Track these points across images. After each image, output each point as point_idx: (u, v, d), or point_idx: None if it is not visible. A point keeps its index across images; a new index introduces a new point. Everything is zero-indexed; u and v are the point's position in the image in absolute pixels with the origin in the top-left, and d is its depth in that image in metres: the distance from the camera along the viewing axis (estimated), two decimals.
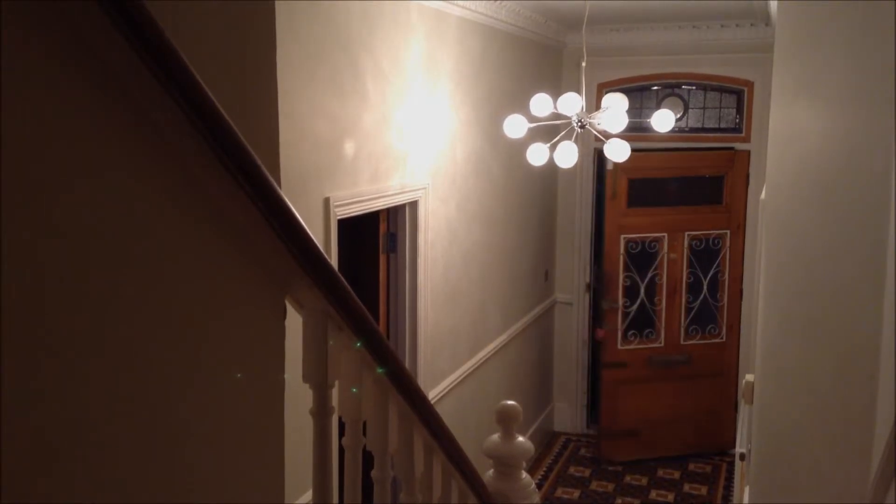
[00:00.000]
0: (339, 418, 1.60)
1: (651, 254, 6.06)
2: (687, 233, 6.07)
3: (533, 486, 2.44)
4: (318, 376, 1.47)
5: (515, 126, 3.78)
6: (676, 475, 6.02)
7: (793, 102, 2.45)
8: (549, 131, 4.39)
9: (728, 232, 6.12)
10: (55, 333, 0.93)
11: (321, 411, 1.50)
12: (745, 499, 3.45)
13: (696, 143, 6.16)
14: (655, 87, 6.28)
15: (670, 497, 5.70)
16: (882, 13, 1.63)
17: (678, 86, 6.23)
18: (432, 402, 2.90)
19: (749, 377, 3.51)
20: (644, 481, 5.92)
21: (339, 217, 3.25)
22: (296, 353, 1.46)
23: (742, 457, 4.00)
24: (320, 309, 1.43)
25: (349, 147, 3.34)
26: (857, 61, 1.89)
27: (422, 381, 4.07)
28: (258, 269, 1.29)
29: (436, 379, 4.34)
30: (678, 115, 6.09)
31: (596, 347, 6.58)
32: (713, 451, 6.29)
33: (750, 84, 5.93)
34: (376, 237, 3.98)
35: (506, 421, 2.37)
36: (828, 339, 2.02)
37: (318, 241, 1.35)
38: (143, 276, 1.05)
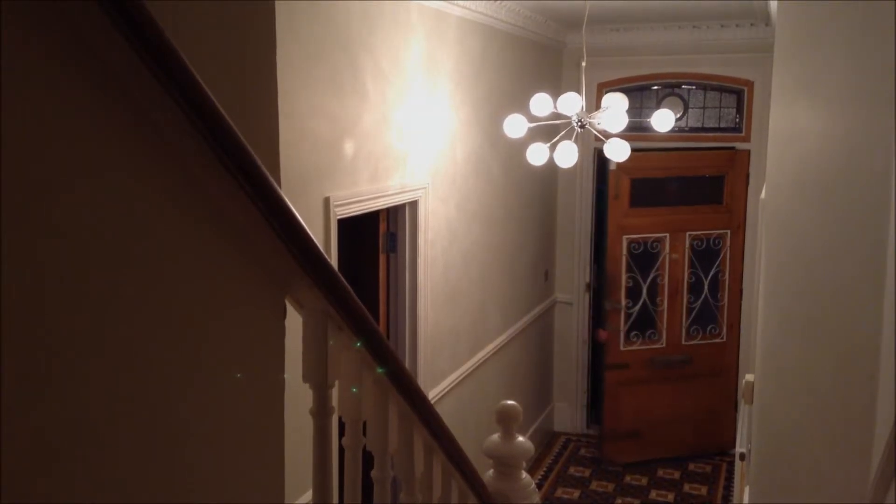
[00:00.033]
0: (339, 418, 1.60)
1: (653, 254, 6.06)
2: (688, 233, 6.07)
3: (533, 486, 2.44)
4: (318, 376, 1.47)
5: (515, 126, 3.78)
6: (676, 475, 6.02)
7: (793, 102, 2.45)
8: (549, 131, 4.39)
9: (728, 232, 6.12)
10: (55, 333, 0.93)
11: (321, 411, 1.50)
12: (745, 499, 3.45)
13: (696, 142, 6.16)
14: (655, 87, 6.28)
15: (670, 497, 5.70)
16: (882, 13, 1.63)
17: (678, 86, 6.23)
18: (432, 402, 2.90)
19: (749, 377, 3.51)
20: (644, 481, 5.92)
21: (338, 217, 3.25)
22: (296, 353, 1.46)
23: (742, 457, 4.00)
24: (320, 309, 1.43)
25: (349, 147, 3.34)
26: (857, 61, 1.89)
27: (422, 381, 4.07)
28: (258, 269, 1.29)
29: (436, 379, 4.34)
30: (678, 115, 6.09)
31: (596, 347, 6.58)
32: (713, 451, 6.29)
33: (750, 84, 5.93)
34: (376, 237, 3.98)
35: (506, 421, 2.37)
36: (828, 339, 2.02)
37: (318, 241, 1.35)
38: (143, 276, 1.05)
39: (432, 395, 4.22)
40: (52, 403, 0.92)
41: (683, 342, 6.19)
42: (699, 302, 6.19)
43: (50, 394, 0.92)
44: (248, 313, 1.29)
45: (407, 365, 3.45)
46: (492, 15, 4.75)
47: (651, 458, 6.15)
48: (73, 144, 0.94)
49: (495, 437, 2.41)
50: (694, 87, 6.21)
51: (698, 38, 5.90)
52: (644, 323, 6.12)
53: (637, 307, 6.09)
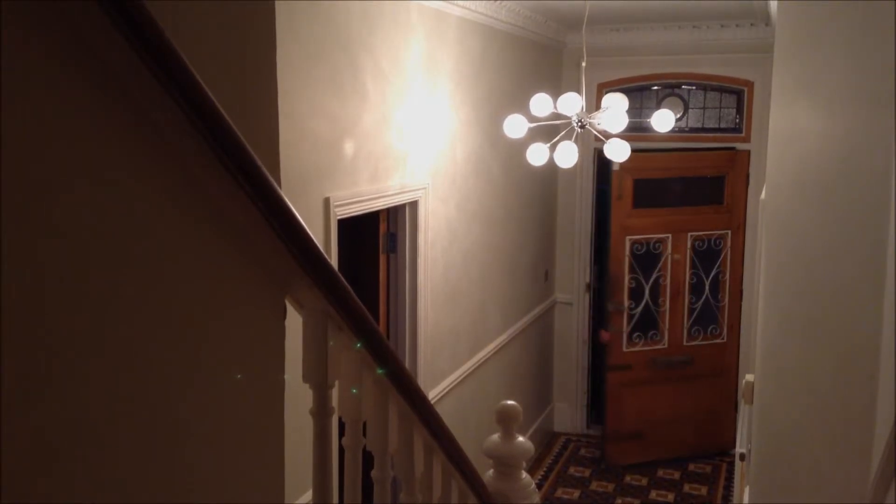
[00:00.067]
0: (339, 418, 1.60)
1: (655, 255, 6.05)
2: (690, 233, 6.06)
3: (533, 486, 2.44)
4: (318, 376, 1.47)
5: (515, 126, 3.78)
6: (676, 475, 6.02)
7: (793, 102, 2.45)
8: (549, 131, 4.39)
9: (729, 232, 6.12)
10: (55, 333, 0.93)
11: (321, 411, 1.50)
12: (745, 499, 3.45)
13: (696, 143, 6.16)
14: (655, 87, 6.28)
15: (670, 497, 5.70)
16: (882, 13, 1.63)
17: (678, 86, 6.23)
18: (432, 402, 2.89)
19: (749, 377, 3.51)
20: (644, 481, 5.92)
21: (339, 217, 3.25)
22: (296, 353, 1.46)
23: (742, 457, 4.00)
24: (320, 309, 1.43)
25: (349, 147, 3.34)
26: (857, 61, 1.89)
27: (422, 381, 4.07)
28: (258, 269, 1.30)
29: (436, 379, 4.34)
30: (678, 115, 6.09)
31: (596, 347, 6.58)
32: (714, 451, 6.28)
33: (750, 84, 5.93)
34: (376, 237, 3.98)
35: (506, 421, 2.37)
36: (828, 339, 2.02)
37: (318, 241, 1.35)
38: (143, 276, 1.05)
39: (432, 395, 4.22)
40: (52, 403, 0.92)
41: (685, 343, 6.19)
42: (700, 302, 6.19)
43: (50, 394, 0.92)
44: (248, 313, 1.29)
45: (407, 365, 3.45)
46: (492, 15, 4.75)
47: (653, 460, 6.15)
48: (73, 144, 0.94)
49: (495, 437, 2.41)
50: (694, 88, 6.21)
51: (698, 38, 5.90)
52: (646, 324, 6.11)
53: (639, 308, 6.08)
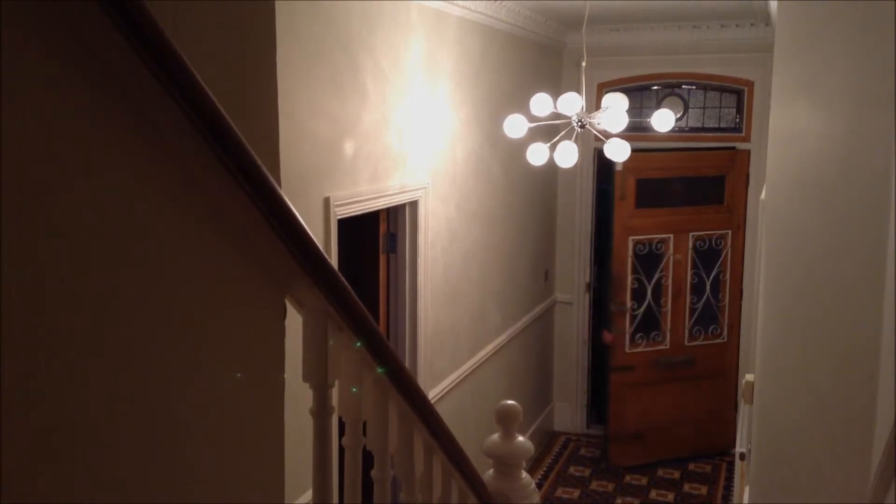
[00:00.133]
0: (339, 418, 1.60)
1: (657, 255, 6.04)
2: (691, 233, 6.06)
3: (533, 485, 2.44)
4: (318, 376, 1.47)
5: (515, 126, 3.78)
6: (676, 475, 6.02)
7: (793, 102, 2.45)
8: (549, 131, 4.39)
9: (729, 232, 6.12)
10: (55, 333, 0.93)
11: (321, 411, 1.50)
12: (745, 499, 3.45)
13: (696, 143, 6.16)
14: (655, 87, 6.28)
15: (670, 497, 5.70)
16: (882, 13, 1.63)
17: (678, 86, 6.23)
18: (432, 402, 2.89)
19: (749, 377, 3.51)
20: (644, 481, 5.92)
21: (338, 217, 3.25)
22: (296, 353, 1.46)
23: (742, 457, 4.00)
24: (320, 309, 1.43)
25: (349, 147, 3.34)
26: (857, 61, 1.89)
27: (422, 381, 4.07)
28: (258, 269, 1.30)
29: (436, 379, 4.34)
30: (678, 115, 6.09)
31: (596, 347, 6.58)
32: (714, 451, 6.28)
33: (750, 84, 5.93)
34: (376, 237, 3.98)
35: (506, 421, 2.37)
36: (828, 339, 2.02)
37: (318, 241, 1.35)
38: (143, 276, 1.05)
39: (432, 395, 4.22)
40: (52, 403, 0.92)
41: (686, 343, 6.18)
42: (701, 302, 6.19)
43: (50, 394, 0.92)
44: (248, 313, 1.29)
45: (407, 365, 3.45)
46: (492, 15, 4.75)
47: (655, 460, 6.14)
48: (73, 144, 0.94)
49: (495, 436, 2.41)
50: (694, 87, 6.21)
51: (698, 38, 5.90)
52: (648, 324, 6.10)
53: (642, 308, 6.07)
